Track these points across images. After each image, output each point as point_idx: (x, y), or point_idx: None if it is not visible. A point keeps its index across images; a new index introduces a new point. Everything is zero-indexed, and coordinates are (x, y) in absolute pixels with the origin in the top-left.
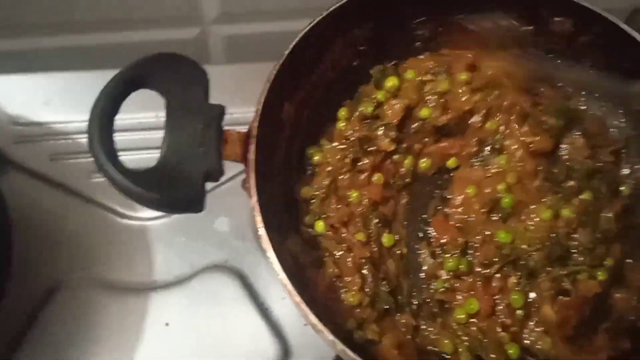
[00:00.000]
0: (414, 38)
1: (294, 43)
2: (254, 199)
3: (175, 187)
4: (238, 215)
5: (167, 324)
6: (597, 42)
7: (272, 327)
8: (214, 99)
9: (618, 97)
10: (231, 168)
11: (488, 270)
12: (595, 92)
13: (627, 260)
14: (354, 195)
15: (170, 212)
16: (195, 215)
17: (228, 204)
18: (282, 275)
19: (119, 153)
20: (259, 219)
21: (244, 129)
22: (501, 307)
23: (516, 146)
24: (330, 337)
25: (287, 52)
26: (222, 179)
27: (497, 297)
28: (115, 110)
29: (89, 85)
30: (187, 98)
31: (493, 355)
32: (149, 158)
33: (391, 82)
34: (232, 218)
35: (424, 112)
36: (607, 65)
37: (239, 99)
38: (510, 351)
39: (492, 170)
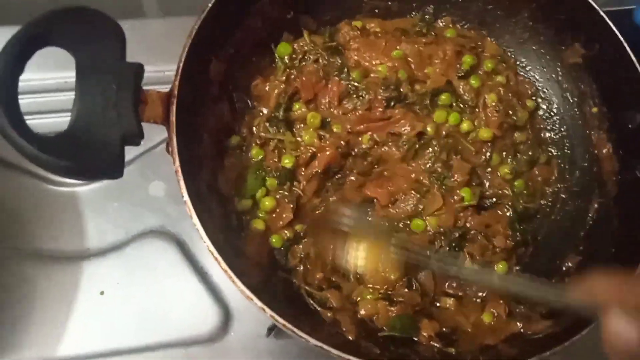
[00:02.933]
0: None
1: None
2: (177, 163)
3: (88, 152)
4: (173, 179)
5: (102, 293)
6: None
7: (212, 292)
8: (146, 55)
9: None
10: (165, 129)
11: None
12: None
13: None
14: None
15: (85, 179)
16: (128, 179)
17: (162, 168)
18: (208, 242)
19: (28, 117)
20: (182, 184)
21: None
22: None
23: None
24: (259, 304)
25: (210, 4)
26: (155, 141)
27: None
28: (18, 70)
29: None
30: (99, 56)
31: None
32: (61, 122)
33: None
34: (168, 182)
35: None
36: None
37: (175, 55)
38: None
39: None
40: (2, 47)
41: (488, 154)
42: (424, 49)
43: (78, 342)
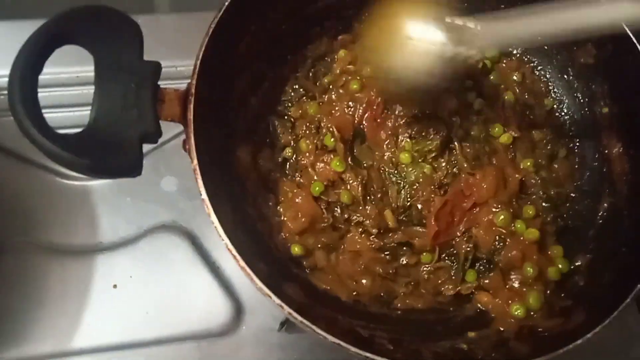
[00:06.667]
0: None
1: None
2: (195, 161)
3: (108, 151)
4: (185, 174)
5: (114, 286)
6: None
7: (224, 286)
8: (158, 51)
9: None
10: (177, 125)
11: None
12: None
13: None
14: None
15: (105, 177)
16: (140, 175)
17: (175, 163)
18: (226, 240)
19: (46, 110)
20: (200, 182)
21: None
22: None
23: None
24: (277, 301)
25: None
26: (167, 136)
27: None
28: (38, 68)
29: (15, 35)
30: (117, 55)
31: None
32: (71, 116)
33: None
34: (180, 177)
35: None
36: None
37: (186, 50)
38: None
39: None
40: (22, 43)
41: (512, 154)
42: None
43: (91, 334)
